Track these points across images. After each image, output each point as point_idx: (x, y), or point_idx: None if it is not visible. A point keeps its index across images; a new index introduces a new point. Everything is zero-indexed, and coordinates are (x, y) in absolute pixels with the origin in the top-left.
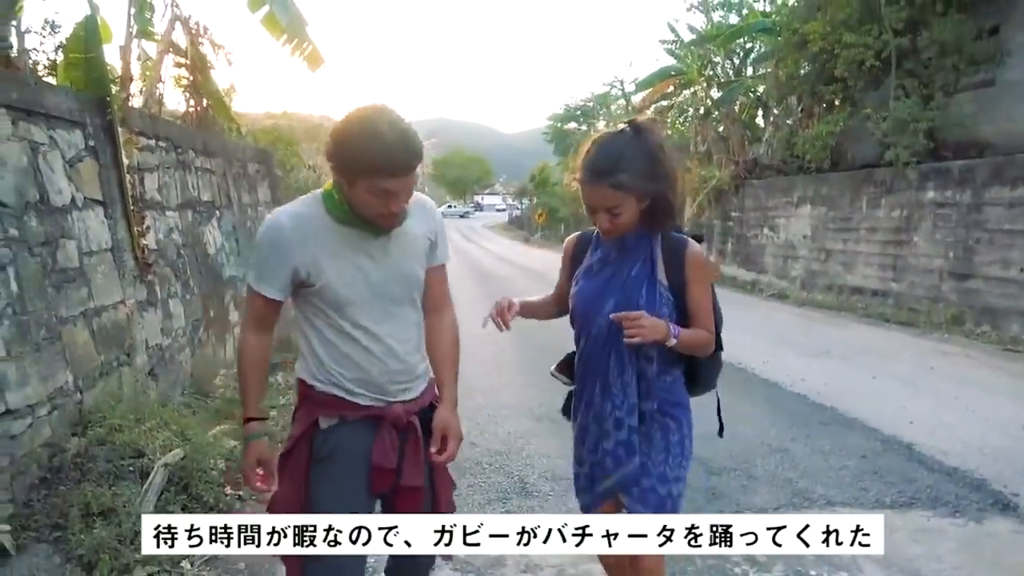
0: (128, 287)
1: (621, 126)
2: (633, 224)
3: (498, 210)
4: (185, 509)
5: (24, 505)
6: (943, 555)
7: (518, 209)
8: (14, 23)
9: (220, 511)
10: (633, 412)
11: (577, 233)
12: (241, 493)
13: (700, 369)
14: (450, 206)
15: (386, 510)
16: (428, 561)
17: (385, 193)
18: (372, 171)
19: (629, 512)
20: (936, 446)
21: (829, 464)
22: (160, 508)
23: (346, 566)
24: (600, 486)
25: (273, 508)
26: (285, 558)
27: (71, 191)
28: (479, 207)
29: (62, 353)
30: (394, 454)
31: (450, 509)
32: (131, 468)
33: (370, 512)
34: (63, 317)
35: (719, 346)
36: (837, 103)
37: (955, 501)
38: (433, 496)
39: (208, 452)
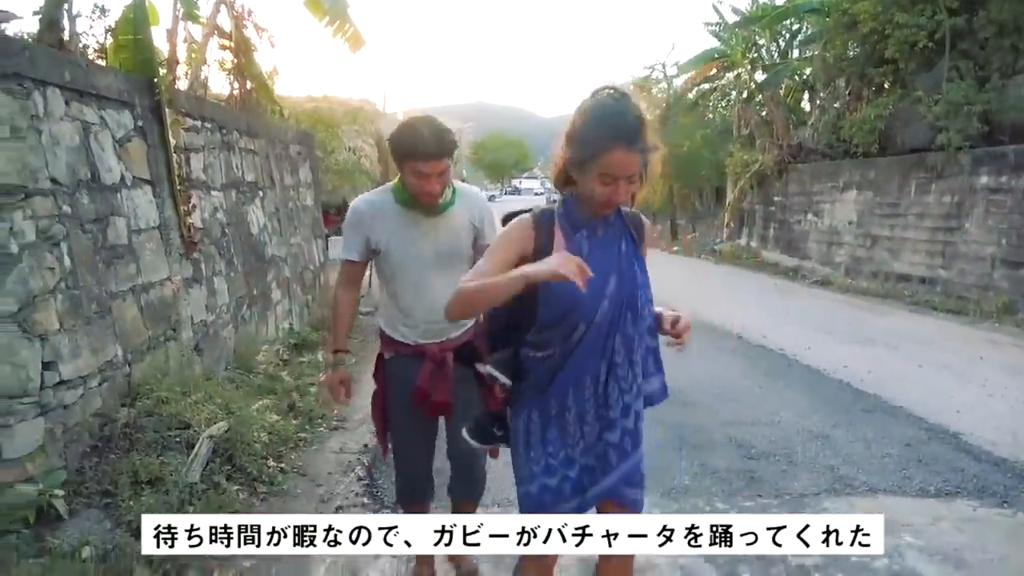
0: (174, 264)
1: (609, 91)
2: None
3: (536, 194)
4: (229, 479)
5: (76, 472)
6: (988, 545)
7: (555, 193)
8: (66, 7)
9: (263, 482)
10: (640, 396)
11: (526, 217)
12: (283, 465)
13: None
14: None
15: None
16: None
17: (421, 175)
18: (410, 155)
19: (626, 498)
20: (984, 436)
21: (872, 452)
22: (205, 478)
23: (420, 443)
24: (598, 487)
25: (374, 406)
26: (376, 420)
27: (120, 170)
28: (517, 191)
29: (112, 327)
30: (428, 380)
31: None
32: (177, 439)
33: (423, 419)
34: (113, 292)
35: None
36: (887, 86)
37: (1003, 492)
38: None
39: (252, 425)
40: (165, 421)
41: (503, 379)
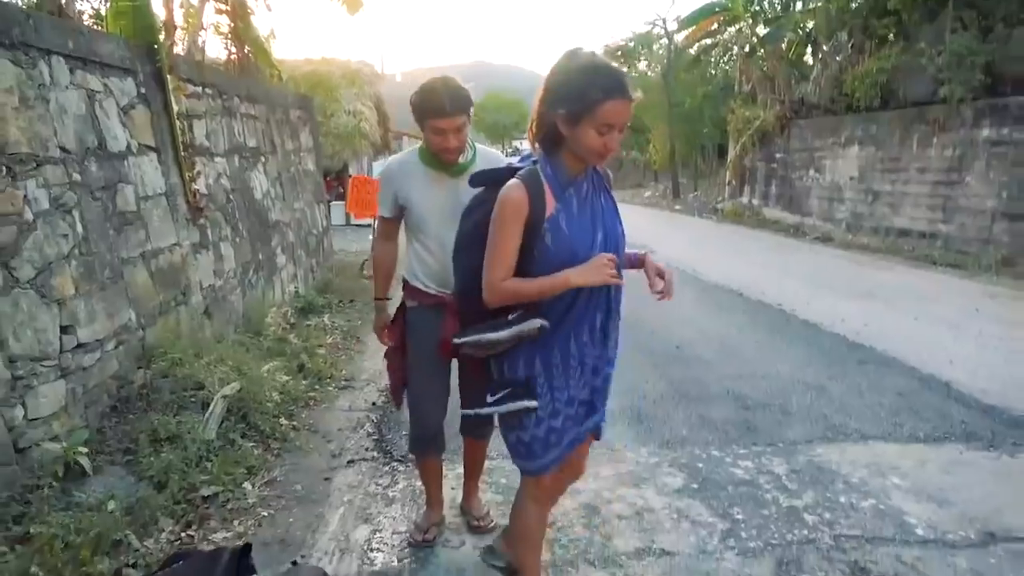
0: (182, 230)
1: (585, 51)
2: None
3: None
4: (244, 436)
5: (97, 431)
6: (973, 485)
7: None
8: None
9: (276, 439)
10: (617, 345)
11: (516, 184)
12: (295, 423)
13: None
14: None
15: (461, 369)
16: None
17: (440, 131)
18: (428, 114)
19: (597, 431)
20: (975, 385)
21: (865, 401)
22: (221, 435)
23: (436, 390)
24: (594, 417)
25: (390, 355)
26: (391, 372)
27: (126, 137)
28: (517, 151)
29: (125, 292)
30: (452, 330)
31: None
32: (192, 399)
33: (441, 364)
34: (124, 258)
35: None
36: (890, 38)
37: (990, 436)
38: None
39: (263, 385)
40: (180, 382)
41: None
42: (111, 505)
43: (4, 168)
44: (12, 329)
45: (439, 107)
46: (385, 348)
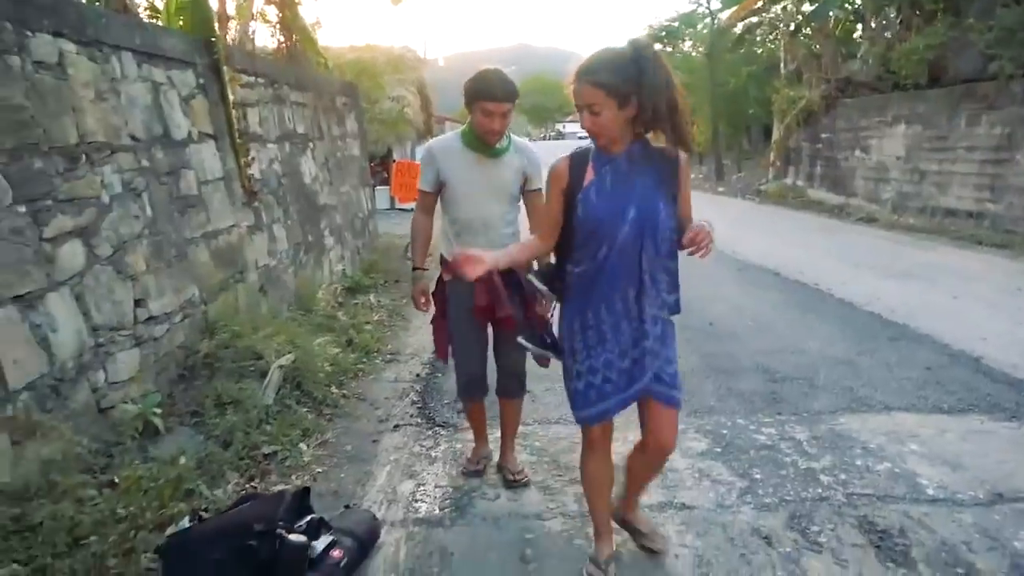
0: (238, 213)
1: (634, 39)
2: (617, 130)
3: (580, 138)
4: (299, 403)
5: (167, 396)
6: (989, 452)
7: None
8: None
9: (328, 406)
10: (664, 307)
11: (566, 156)
12: (345, 392)
13: None
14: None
15: (496, 330)
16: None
17: (488, 113)
18: (481, 96)
19: (660, 396)
20: (1007, 360)
21: (892, 375)
22: (278, 401)
23: (476, 347)
24: (636, 385)
25: (436, 317)
26: (436, 332)
27: (187, 126)
28: (561, 135)
29: (188, 270)
30: (485, 297)
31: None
32: (252, 368)
33: (478, 329)
34: (187, 239)
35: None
36: (939, 13)
37: (1014, 408)
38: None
39: (315, 357)
40: (240, 353)
41: (541, 286)
42: (183, 460)
43: (84, 155)
44: (94, 301)
45: (492, 92)
46: (431, 316)
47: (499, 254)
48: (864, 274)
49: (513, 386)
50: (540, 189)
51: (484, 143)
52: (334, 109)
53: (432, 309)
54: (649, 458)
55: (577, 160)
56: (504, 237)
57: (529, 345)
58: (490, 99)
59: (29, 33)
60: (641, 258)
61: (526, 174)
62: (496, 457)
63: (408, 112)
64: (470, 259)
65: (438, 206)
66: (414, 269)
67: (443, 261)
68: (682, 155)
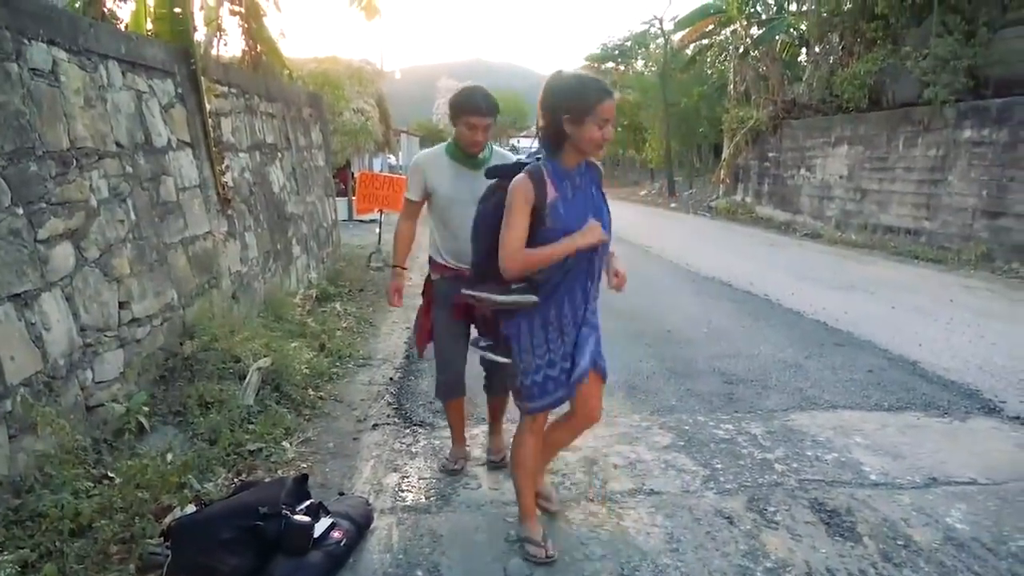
0: (213, 220)
1: (557, 71)
2: None
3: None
4: (278, 403)
5: (150, 397)
6: (924, 443)
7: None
8: None
9: (306, 407)
10: (597, 297)
11: (524, 176)
12: (322, 394)
13: None
14: None
15: (476, 326)
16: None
17: (472, 126)
18: (465, 110)
19: (598, 367)
20: (940, 364)
21: (838, 376)
22: (258, 402)
23: (457, 345)
24: (581, 368)
25: (419, 313)
26: (420, 329)
27: (167, 134)
28: (515, 149)
29: (168, 274)
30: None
31: None
32: (231, 370)
33: (460, 327)
34: (167, 244)
35: None
36: (878, 41)
37: (946, 406)
38: None
39: (292, 361)
40: (219, 355)
41: (523, 297)
42: (169, 456)
43: (75, 160)
44: (82, 302)
45: (477, 107)
46: (412, 319)
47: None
48: (810, 286)
49: (500, 383)
50: None
51: (468, 154)
52: (301, 120)
53: (401, 305)
54: (575, 425)
55: (537, 178)
56: None
57: (489, 354)
58: (475, 113)
59: (26, 41)
60: (594, 260)
61: None
62: (474, 456)
63: (370, 124)
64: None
65: (423, 212)
66: (394, 267)
67: (431, 261)
68: (599, 165)
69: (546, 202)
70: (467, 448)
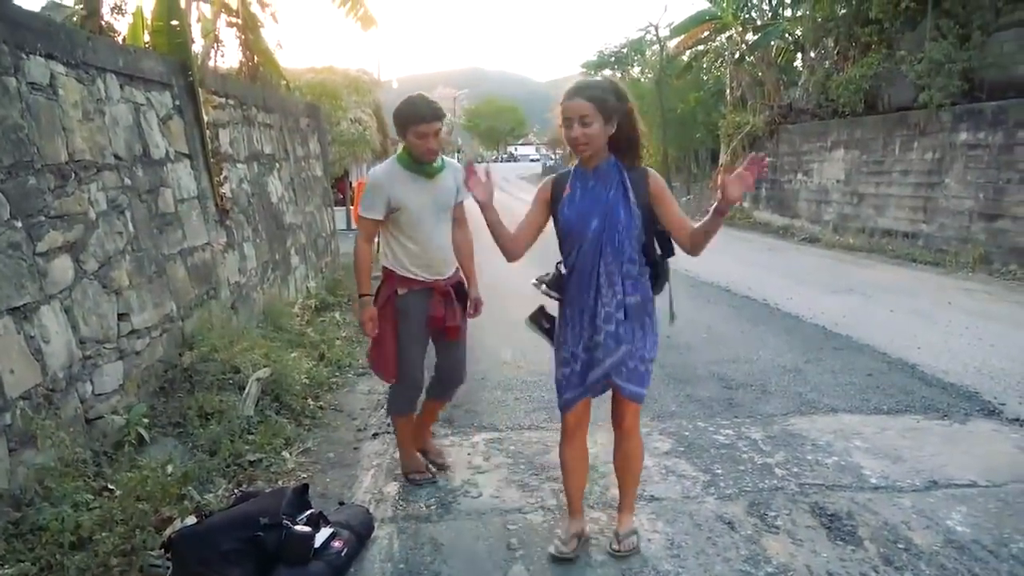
0: (212, 231)
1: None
2: (600, 143)
3: (532, 160)
4: (278, 414)
5: (150, 408)
6: (924, 446)
7: (551, 159)
8: None
9: (306, 417)
10: (620, 307)
11: (552, 176)
12: (322, 404)
13: (660, 272)
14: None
15: (437, 339)
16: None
17: (421, 135)
18: (412, 121)
19: (624, 391)
20: (939, 367)
21: (837, 380)
22: (258, 412)
23: (421, 359)
24: (593, 375)
25: (379, 339)
26: (381, 350)
27: (165, 146)
28: (513, 157)
29: (167, 286)
30: (441, 308)
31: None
32: (231, 381)
33: (425, 339)
34: (166, 255)
35: (670, 252)
36: (873, 45)
37: (946, 408)
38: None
39: (291, 371)
40: (218, 366)
41: (555, 294)
42: (170, 467)
43: (73, 173)
44: (82, 315)
45: (420, 114)
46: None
47: (494, 211)
48: (809, 290)
49: (450, 390)
50: (462, 202)
51: (422, 163)
52: (298, 130)
53: (375, 330)
54: (617, 445)
55: (560, 178)
56: (449, 256)
57: (534, 326)
58: (421, 121)
59: (24, 55)
60: (599, 262)
61: (458, 187)
62: (465, 465)
63: (368, 134)
64: (485, 183)
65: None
66: (362, 295)
67: (392, 275)
68: (651, 171)
69: (561, 199)
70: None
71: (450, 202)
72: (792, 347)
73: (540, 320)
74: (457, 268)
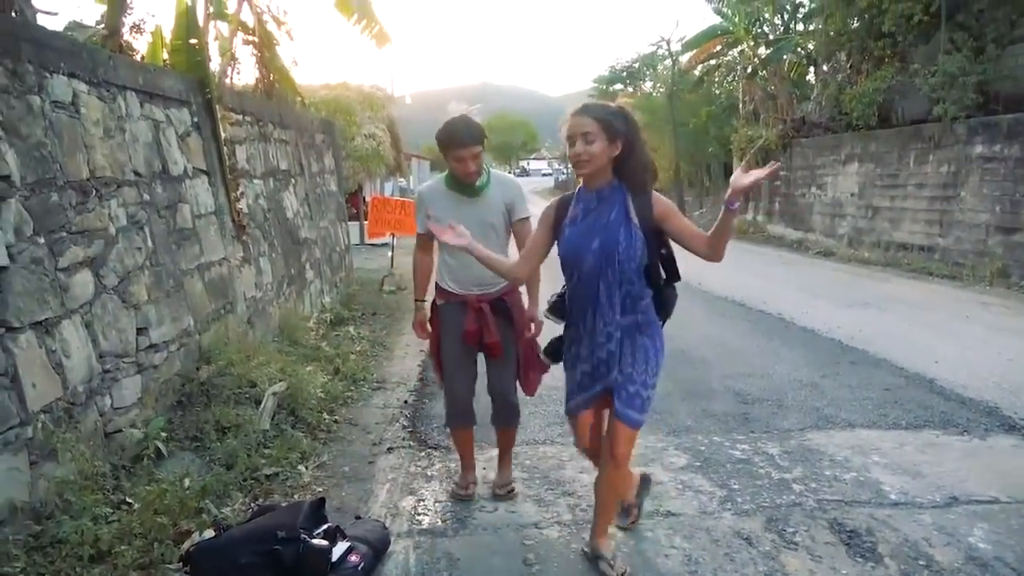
0: (228, 246)
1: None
2: (602, 162)
3: (544, 175)
4: (294, 427)
5: (167, 422)
6: (944, 461)
7: (564, 173)
8: (124, 17)
9: (322, 431)
10: (618, 328)
11: (556, 199)
12: (337, 418)
13: (666, 299)
14: None
15: (487, 359)
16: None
17: (460, 159)
18: (451, 145)
19: (618, 413)
20: (957, 381)
21: (854, 395)
22: (274, 426)
23: (464, 372)
24: (597, 387)
25: (431, 345)
26: (433, 356)
27: (183, 162)
28: (525, 172)
29: (184, 300)
30: (474, 323)
31: (530, 387)
32: (247, 395)
33: (467, 352)
34: (183, 270)
35: (677, 277)
36: (886, 59)
37: (965, 423)
38: (520, 369)
39: (307, 385)
40: (235, 380)
41: (555, 318)
42: (187, 481)
43: (94, 190)
44: (101, 329)
45: (459, 139)
46: (428, 341)
47: (480, 247)
48: (824, 304)
49: (507, 415)
50: (526, 218)
51: (463, 184)
52: (314, 146)
53: (427, 337)
54: (601, 470)
55: (564, 200)
56: (487, 273)
57: (546, 359)
58: (459, 146)
59: (48, 74)
60: (599, 283)
61: (509, 205)
62: (482, 481)
63: (381, 149)
64: (453, 230)
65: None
66: (416, 300)
67: (438, 288)
68: (655, 192)
69: (564, 221)
70: (476, 475)
71: (498, 219)
72: (808, 361)
73: (558, 349)
74: (503, 285)
